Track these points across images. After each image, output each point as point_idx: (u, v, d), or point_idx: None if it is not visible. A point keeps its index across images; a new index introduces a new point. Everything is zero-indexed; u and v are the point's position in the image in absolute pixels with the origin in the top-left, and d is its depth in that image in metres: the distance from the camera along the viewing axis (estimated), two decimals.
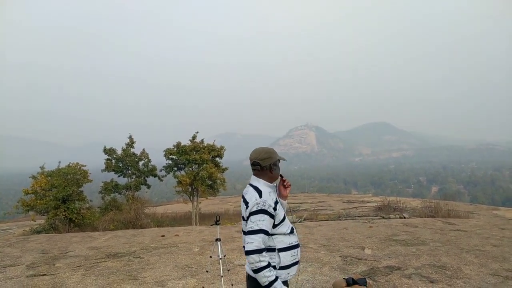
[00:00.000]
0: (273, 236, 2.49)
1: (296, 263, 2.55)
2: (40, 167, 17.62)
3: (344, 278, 4.65)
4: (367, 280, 4.89)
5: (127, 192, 22.84)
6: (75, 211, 15.98)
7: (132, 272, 6.14)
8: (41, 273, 6.30)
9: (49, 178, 16.72)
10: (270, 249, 2.47)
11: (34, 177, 16.98)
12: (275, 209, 2.46)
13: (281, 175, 2.72)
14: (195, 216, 21.52)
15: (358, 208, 21.61)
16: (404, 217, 15.03)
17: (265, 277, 2.34)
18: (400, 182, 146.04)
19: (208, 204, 31.92)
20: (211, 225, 5.64)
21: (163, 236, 10.18)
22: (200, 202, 23.91)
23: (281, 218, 2.50)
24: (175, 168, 22.95)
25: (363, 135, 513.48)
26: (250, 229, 2.42)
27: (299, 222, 15.27)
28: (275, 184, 2.71)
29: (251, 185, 2.63)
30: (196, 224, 20.19)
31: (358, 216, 16.86)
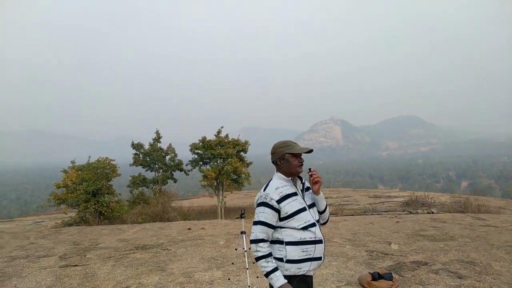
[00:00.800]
0: (282, 229, 2.51)
1: (309, 259, 2.50)
2: (71, 161, 18.18)
3: (369, 273, 4.63)
4: (393, 275, 4.85)
5: (154, 186, 23.33)
6: (105, 205, 16.43)
7: (160, 264, 6.30)
8: (73, 264, 6.55)
9: (80, 172, 17.23)
10: (278, 241, 2.51)
11: (65, 171, 17.56)
12: (278, 202, 2.48)
13: (309, 169, 2.69)
14: (221, 210, 21.76)
15: (384, 203, 21.32)
16: (432, 212, 14.74)
17: (262, 266, 2.43)
18: (428, 177, 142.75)
19: (233, 198, 32.16)
20: (236, 218, 5.70)
21: (189, 229, 10.35)
22: (225, 196, 24.15)
23: (290, 212, 2.48)
24: (201, 163, 23.24)
25: (390, 129, 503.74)
26: (254, 220, 2.52)
27: None
28: (295, 178, 2.66)
29: (271, 179, 2.68)
30: (221, 218, 20.41)
31: (385, 211, 16.65)
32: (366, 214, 15.49)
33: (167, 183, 24.03)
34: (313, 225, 2.54)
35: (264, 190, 2.55)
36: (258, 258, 2.44)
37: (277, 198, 2.48)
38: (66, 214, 18.04)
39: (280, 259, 2.47)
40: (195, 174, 24.96)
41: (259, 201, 2.53)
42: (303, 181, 2.73)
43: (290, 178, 2.63)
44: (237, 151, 22.82)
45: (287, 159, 2.60)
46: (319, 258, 2.55)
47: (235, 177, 22.49)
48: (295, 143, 2.68)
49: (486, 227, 9.02)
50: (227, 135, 23.19)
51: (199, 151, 22.90)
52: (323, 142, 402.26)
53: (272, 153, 2.67)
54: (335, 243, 7.43)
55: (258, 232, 2.47)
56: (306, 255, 2.48)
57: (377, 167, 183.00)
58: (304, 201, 2.61)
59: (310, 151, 2.67)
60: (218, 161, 22.53)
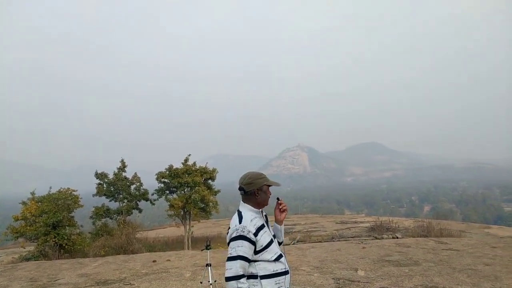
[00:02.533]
0: (256, 263, 2.47)
1: None
2: (30, 192, 17.44)
3: None
4: None
5: (119, 217, 22.58)
6: (66, 237, 15.77)
7: None
8: None
9: (40, 203, 16.53)
10: (253, 276, 2.46)
11: (24, 203, 16.79)
12: (255, 235, 2.45)
13: (277, 198, 2.73)
14: (188, 240, 21.25)
15: (351, 229, 21.55)
16: (397, 237, 15.03)
17: None
18: (392, 202, 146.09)
19: (201, 227, 31.55)
20: (202, 249, 5.60)
21: (154, 261, 10.04)
22: (192, 226, 23.67)
23: (264, 244, 2.48)
24: (167, 192, 22.78)
25: (355, 156, 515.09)
26: (229, 255, 2.42)
27: (293, 244, 15.19)
28: (261, 210, 2.69)
29: (238, 210, 2.63)
30: (188, 248, 19.94)
31: (351, 237, 16.81)
32: (333, 241, 15.58)
33: (132, 213, 23.30)
34: (281, 255, 2.57)
35: (240, 222, 2.49)
36: None
37: (254, 230, 2.46)
38: (24, 248, 17.14)
39: None
40: (162, 203, 24.42)
41: (234, 235, 2.45)
42: (265, 213, 2.75)
43: (260, 210, 2.65)
44: (204, 179, 22.56)
45: (264, 190, 2.64)
46: None
47: (203, 205, 22.13)
48: (265, 175, 2.74)
49: (449, 251, 9.28)
50: (194, 163, 22.96)
51: (165, 180, 22.46)
52: (290, 168, 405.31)
53: (250, 183, 2.62)
54: (303, 272, 7.40)
55: (239, 267, 2.37)
56: (279, 287, 2.49)
57: (343, 192, 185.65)
58: (270, 232, 2.63)
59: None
60: (185, 190, 22.15)
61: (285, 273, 2.54)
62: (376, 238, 15.22)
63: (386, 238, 14.73)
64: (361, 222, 24.98)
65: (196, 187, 21.56)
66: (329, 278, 6.76)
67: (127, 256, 12.31)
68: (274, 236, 2.69)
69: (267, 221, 2.70)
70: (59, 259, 14.25)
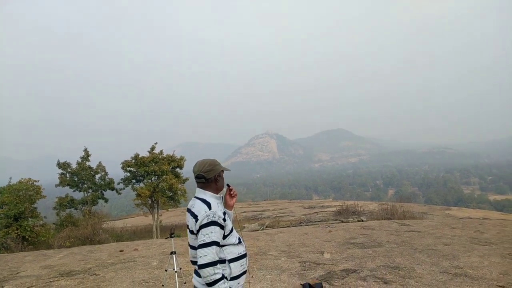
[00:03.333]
0: (224, 247, 2.50)
1: (244, 272, 2.59)
2: None
3: (301, 284, 4.73)
4: (323, 285, 4.99)
5: (84, 207, 22.06)
6: (28, 229, 15.35)
7: None
8: None
9: (0, 195, 15.97)
10: (221, 261, 2.47)
11: None
12: (224, 219, 2.48)
13: (227, 185, 2.75)
14: (156, 229, 21.08)
15: (318, 213, 22.01)
16: (362, 220, 15.48)
17: None
18: (358, 186, 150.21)
19: (170, 216, 31.35)
20: (166, 238, 5.57)
21: (121, 251, 9.89)
22: (161, 215, 23.47)
23: (230, 228, 2.53)
24: (134, 181, 22.44)
25: (322, 142, 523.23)
26: (202, 242, 2.39)
27: (261, 229, 15.34)
28: (221, 195, 2.73)
29: (197, 197, 2.62)
30: (157, 237, 19.78)
31: (319, 221, 17.18)
32: (301, 225, 15.86)
33: (97, 203, 22.83)
34: (240, 238, 2.63)
35: (210, 208, 2.47)
36: (216, 281, 2.34)
37: (223, 216, 2.49)
38: None
39: (226, 278, 2.45)
40: (129, 192, 24.05)
41: (206, 221, 2.42)
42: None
43: (220, 195, 2.69)
44: (172, 168, 22.35)
45: (222, 176, 2.70)
46: (246, 271, 2.65)
47: (171, 194, 21.96)
48: None
49: (411, 232, 9.65)
50: (161, 151, 22.67)
51: (131, 169, 22.09)
52: (260, 155, 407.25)
53: (210, 170, 2.63)
54: (271, 256, 7.50)
55: (214, 253, 2.37)
56: (243, 269, 2.57)
57: (311, 178, 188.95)
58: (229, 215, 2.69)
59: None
60: (153, 178, 21.89)
61: (246, 255, 2.63)
62: (342, 221, 15.61)
63: (352, 222, 15.14)
64: (328, 207, 25.56)
65: (164, 176, 21.34)
66: (295, 261, 6.89)
67: (93, 246, 12.06)
68: None
69: None
70: (22, 251, 13.82)
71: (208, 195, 2.60)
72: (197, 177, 2.64)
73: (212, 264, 2.35)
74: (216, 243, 2.39)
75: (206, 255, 2.36)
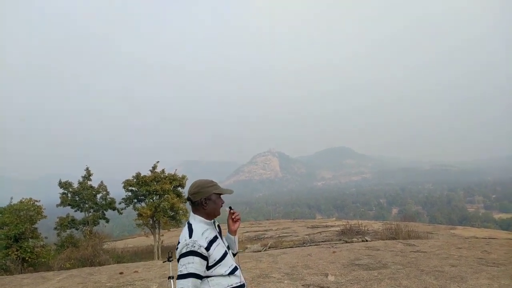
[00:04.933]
0: (209, 279, 2.32)
1: None
2: None
3: None
4: None
5: (85, 227, 21.87)
6: (29, 250, 15.22)
7: None
8: None
9: (0, 215, 15.88)
10: None
11: None
12: (207, 249, 2.30)
13: (230, 207, 2.60)
14: (157, 250, 20.82)
15: (322, 233, 21.73)
16: (367, 240, 15.24)
17: None
18: (361, 205, 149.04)
19: (171, 236, 30.99)
20: (164, 261, 5.41)
21: (121, 273, 9.71)
22: (162, 235, 23.22)
23: (218, 258, 2.33)
24: (135, 200, 22.29)
25: (324, 160, 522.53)
26: (180, 272, 2.26)
27: (264, 250, 15.11)
28: (213, 221, 2.55)
29: (188, 222, 2.47)
30: (158, 258, 19.51)
31: (322, 241, 16.93)
32: (304, 246, 15.62)
33: (98, 223, 22.63)
34: (236, 268, 2.43)
35: (190, 237, 2.33)
36: None
37: (205, 244, 2.31)
38: None
39: None
40: (130, 212, 23.86)
41: (184, 250, 2.29)
42: (218, 223, 2.61)
43: (211, 220, 2.50)
44: (174, 187, 22.21)
45: (213, 200, 2.47)
46: None
47: (172, 213, 21.75)
48: (217, 183, 2.57)
49: (416, 253, 9.45)
50: (163, 170, 22.58)
51: (133, 188, 21.97)
52: (262, 174, 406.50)
53: (197, 193, 2.45)
54: (273, 279, 7.32)
55: (190, 286, 2.22)
56: None
57: (314, 197, 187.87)
58: (224, 243, 2.49)
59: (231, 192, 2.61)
60: (154, 198, 21.74)
61: (240, 287, 2.41)
62: (346, 242, 15.37)
63: (356, 242, 14.90)
64: (332, 226, 25.25)
65: (165, 195, 21.19)
66: (299, 285, 6.72)
67: (93, 268, 11.88)
68: (228, 247, 2.55)
69: (220, 232, 2.56)
70: (21, 273, 13.63)
71: (196, 220, 2.44)
72: (187, 199, 2.51)
73: None
74: (193, 275, 2.23)
75: (182, 287, 2.22)
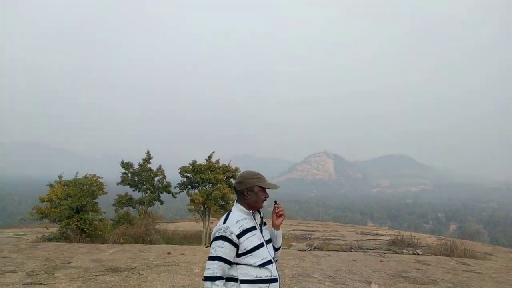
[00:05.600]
0: (238, 266, 2.35)
1: None
2: (58, 176, 17.94)
3: None
4: None
5: (140, 207, 22.97)
6: (88, 222, 16.07)
7: None
8: (38, 282, 6.28)
9: (66, 187, 16.96)
10: (233, 279, 2.35)
11: (51, 185, 17.30)
12: (239, 237, 2.33)
13: (275, 202, 2.60)
14: (205, 236, 21.37)
15: (371, 241, 21.08)
16: (418, 254, 14.55)
17: None
18: (417, 217, 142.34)
19: None
20: (206, 246, 5.55)
21: (169, 253, 10.09)
22: (211, 222, 23.79)
23: (249, 248, 2.35)
24: (189, 186, 23.02)
25: (382, 167, 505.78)
26: (210, 254, 2.33)
27: (309, 250, 14.95)
28: (257, 211, 2.56)
29: (230, 210, 2.53)
30: (205, 244, 20.03)
31: (370, 249, 16.42)
32: (351, 251, 15.25)
33: (153, 204, 23.70)
34: (269, 262, 2.42)
35: (224, 222, 2.39)
36: None
37: (238, 232, 2.35)
38: (48, 229, 17.63)
39: None
40: (184, 197, 24.70)
41: (217, 234, 2.36)
42: (262, 215, 2.61)
43: (251, 211, 2.51)
44: (226, 177, 22.64)
45: (256, 192, 2.49)
46: None
47: (223, 203, 22.21)
48: (263, 176, 2.58)
49: (470, 273, 8.87)
50: (218, 161, 23.09)
51: (188, 175, 22.71)
52: (315, 174, 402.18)
53: (240, 182, 2.51)
54: (314, 279, 7.23)
55: (216, 268, 2.29)
56: None
57: (368, 203, 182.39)
58: (262, 236, 2.49)
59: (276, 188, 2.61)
60: (207, 186, 22.32)
61: (270, 280, 2.39)
62: (396, 252, 14.78)
63: (406, 254, 14.28)
64: (382, 235, 24.40)
65: (218, 184, 21.68)
66: None
67: (143, 246, 12.46)
68: (270, 241, 2.56)
69: (261, 224, 2.56)
70: (79, 242, 14.57)
71: (236, 209, 2.50)
72: (233, 187, 2.59)
73: (211, 279, 2.28)
74: (221, 259, 2.29)
75: (209, 268, 2.30)
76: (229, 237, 2.32)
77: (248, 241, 2.37)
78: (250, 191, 2.49)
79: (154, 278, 6.82)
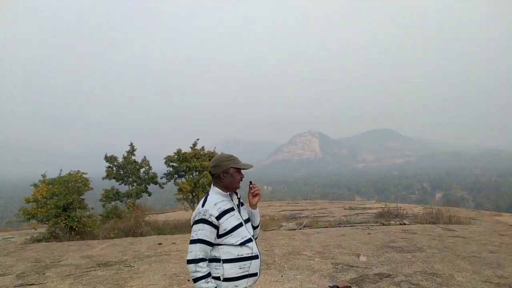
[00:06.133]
0: (219, 247, 2.44)
1: (246, 276, 2.48)
2: (41, 175, 17.65)
3: (329, 286, 4.59)
4: None
5: (128, 200, 22.82)
6: (76, 219, 15.92)
7: (120, 281, 6.09)
8: (29, 283, 6.25)
9: (50, 186, 16.73)
10: (215, 259, 2.43)
11: (35, 185, 17.02)
12: (218, 218, 2.42)
13: (250, 182, 2.67)
14: None
15: (359, 215, 21.46)
16: (404, 224, 14.90)
17: (201, 287, 2.34)
18: (404, 189, 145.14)
19: None
20: None
21: (160, 244, 10.13)
22: None
23: (229, 228, 2.44)
24: (176, 176, 22.96)
25: (367, 142, 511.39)
26: (191, 238, 2.42)
27: (299, 229, 15.17)
28: (234, 193, 2.65)
29: (207, 194, 2.62)
30: None
31: (358, 223, 16.73)
32: (339, 226, 15.52)
33: (141, 196, 23.54)
34: (249, 240, 2.52)
35: (203, 206, 2.47)
36: (197, 279, 2.35)
37: (216, 214, 2.43)
38: (36, 229, 17.43)
39: (217, 278, 2.41)
40: (172, 187, 24.65)
41: (197, 218, 2.45)
42: (239, 196, 2.70)
43: (228, 193, 2.59)
44: None
45: (231, 173, 2.58)
46: (255, 274, 2.53)
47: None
48: (237, 158, 2.66)
49: (455, 238, 9.16)
50: (203, 148, 23.04)
51: (174, 164, 22.64)
52: (301, 154, 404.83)
53: (215, 166, 2.60)
54: (304, 256, 7.38)
55: (198, 250, 2.38)
56: (243, 271, 2.46)
57: (354, 179, 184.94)
58: (241, 216, 2.58)
59: (250, 167, 2.70)
60: (194, 174, 22.30)
61: (251, 258, 2.50)
62: (383, 224, 15.11)
63: (393, 225, 14.62)
64: (370, 209, 24.84)
65: (205, 172, 21.68)
66: (329, 263, 6.73)
67: (134, 238, 12.48)
68: (248, 220, 2.65)
69: (240, 204, 2.65)
70: (69, 240, 14.47)
71: (213, 192, 2.57)
72: (209, 172, 2.68)
73: (194, 261, 2.36)
74: (202, 241, 2.38)
75: (191, 251, 2.38)
76: (209, 219, 2.40)
77: (227, 222, 2.45)
78: (226, 173, 2.57)
79: (145, 269, 6.87)
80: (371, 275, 5.73)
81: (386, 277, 5.62)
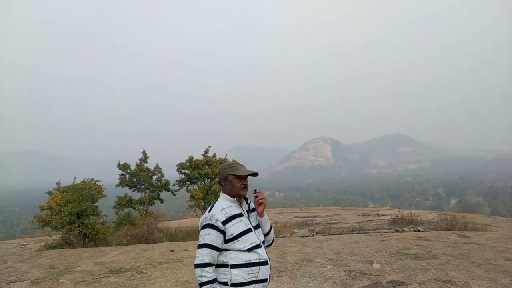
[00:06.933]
0: (227, 252, 2.47)
1: (254, 281, 2.49)
2: (56, 183, 17.92)
3: None
4: None
5: (141, 207, 22.98)
6: (90, 226, 16.10)
7: None
8: None
9: (64, 193, 16.95)
10: (223, 265, 2.47)
11: (50, 193, 17.28)
12: (224, 223, 2.46)
13: (255, 191, 2.69)
14: None
15: (372, 222, 21.24)
16: (419, 230, 14.70)
17: None
18: (418, 194, 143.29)
19: None
20: None
21: (172, 250, 10.17)
22: None
23: (235, 234, 2.47)
24: (188, 183, 23.06)
25: (378, 147, 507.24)
26: (198, 243, 2.47)
27: (311, 236, 15.08)
28: (244, 199, 2.68)
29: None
30: None
31: (371, 230, 16.56)
32: (352, 233, 15.38)
33: (154, 203, 23.69)
34: (258, 246, 2.54)
35: (209, 211, 2.53)
36: (202, 284, 2.39)
37: (223, 219, 2.47)
38: (50, 236, 17.66)
39: (225, 283, 2.44)
40: (184, 194, 24.77)
41: (204, 223, 2.50)
42: (249, 202, 2.72)
43: (235, 198, 2.63)
44: None
45: (230, 180, 2.63)
46: (264, 280, 2.55)
47: None
48: (241, 165, 2.70)
49: (470, 245, 9.00)
50: (214, 155, 23.12)
51: (186, 171, 22.76)
52: (313, 160, 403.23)
53: (218, 174, 2.70)
54: (317, 263, 7.32)
55: (205, 255, 2.42)
56: (251, 277, 2.48)
57: (367, 185, 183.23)
58: (250, 222, 2.61)
59: (255, 174, 2.69)
60: (206, 181, 22.37)
61: (259, 263, 2.51)
62: (396, 231, 14.93)
63: (407, 231, 14.43)
64: (383, 215, 24.57)
65: (216, 178, 21.73)
66: (341, 270, 6.66)
67: (147, 245, 12.54)
68: (258, 226, 2.68)
69: (250, 210, 2.69)
70: (82, 247, 14.62)
71: (222, 198, 2.64)
72: None
73: (201, 266, 2.41)
74: (209, 246, 2.43)
75: (198, 256, 2.45)
76: (215, 224, 2.46)
77: (234, 227, 2.49)
78: (225, 180, 2.65)
79: (158, 275, 6.89)
80: (384, 283, 5.66)
81: (399, 284, 5.55)
